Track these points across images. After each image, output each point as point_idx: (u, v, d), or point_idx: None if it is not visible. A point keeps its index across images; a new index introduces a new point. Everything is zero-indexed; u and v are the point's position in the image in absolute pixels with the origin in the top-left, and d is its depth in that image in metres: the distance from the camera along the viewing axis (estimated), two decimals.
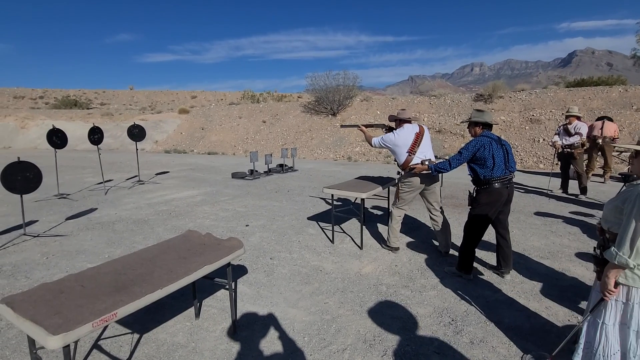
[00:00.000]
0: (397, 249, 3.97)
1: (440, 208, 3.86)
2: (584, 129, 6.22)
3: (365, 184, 4.29)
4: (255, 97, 27.01)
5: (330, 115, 18.05)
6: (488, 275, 3.31)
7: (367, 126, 4.35)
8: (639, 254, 1.49)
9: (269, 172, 9.91)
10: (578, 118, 6.41)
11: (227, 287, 2.40)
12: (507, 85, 15.73)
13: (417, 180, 3.70)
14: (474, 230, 3.17)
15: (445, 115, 14.93)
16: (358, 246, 4.07)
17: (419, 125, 3.88)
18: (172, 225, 5.06)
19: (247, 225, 4.94)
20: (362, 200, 3.90)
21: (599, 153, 7.86)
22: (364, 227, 4.18)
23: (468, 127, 3.34)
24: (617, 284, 1.61)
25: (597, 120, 8.19)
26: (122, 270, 2.00)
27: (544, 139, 12.10)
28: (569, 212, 5.36)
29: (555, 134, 6.68)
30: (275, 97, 29.88)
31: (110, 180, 8.95)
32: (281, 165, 10.31)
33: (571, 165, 6.50)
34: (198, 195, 7.12)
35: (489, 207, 3.08)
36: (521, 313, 2.68)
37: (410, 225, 4.86)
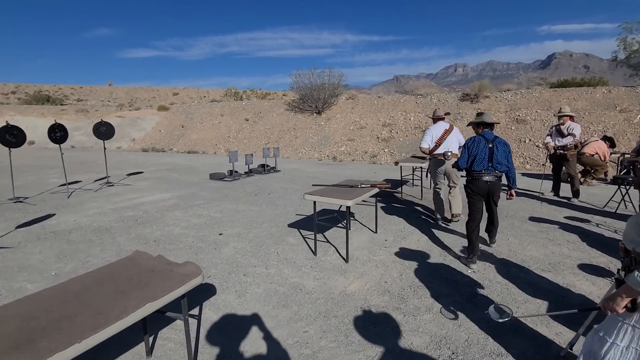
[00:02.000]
0: (439, 220, 5.00)
1: (456, 185, 4.86)
2: (577, 129, 5.99)
3: (351, 190, 3.88)
4: (238, 95, 26.31)
5: (315, 114, 17.62)
6: (488, 290, 2.96)
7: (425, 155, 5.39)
8: None
9: (249, 172, 9.41)
10: (571, 118, 6.19)
11: (185, 318, 1.95)
12: (491, 85, 15.65)
13: (439, 166, 4.89)
14: (469, 214, 3.72)
15: (431, 115, 14.69)
16: (343, 259, 3.67)
17: (450, 124, 5.00)
18: (137, 234, 4.54)
19: (220, 234, 4.46)
20: (348, 207, 3.49)
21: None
22: (349, 237, 3.77)
23: (474, 128, 3.88)
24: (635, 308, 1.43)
25: (603, 137, 8.21)
26: (35, 312, 1.52)
27: (530, 139, 12.01)
28: (564, 217, 5.10)
29: (548, 135, 6.45)
30: (259, 94, 29.22)
31: (76, 182, 8.28)
32: (263, 166, 9.82)
33: (563, 167, 6.29)
34: (171, 198, 6.58)
35: (472, 194, 3.67)
36: (530, 342, 2.32)
37: (399, 234, 4.48)
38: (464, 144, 3.75)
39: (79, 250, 4.01)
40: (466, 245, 3.72)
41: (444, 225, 4.84)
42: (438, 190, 4.98)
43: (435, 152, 4.85)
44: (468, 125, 4.88)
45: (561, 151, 6.13)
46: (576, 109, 12.55)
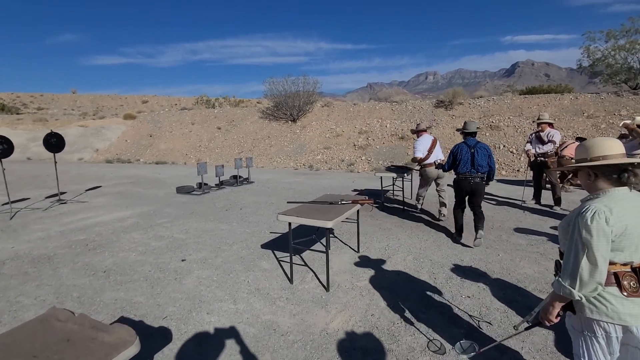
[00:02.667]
0: (419, 208, 5.95)
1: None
2: (557, 136, 5.90)
3: (330, 207, 3.47)
4: (210, 102, 25.48)
5: (290, 122, 17.21)
6: (487, 319, 2.61)
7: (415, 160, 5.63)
8: (586, 283, 1.36)
9: (220, 185, 8.83)
10: (550, 125, 6.10)
11: None
12: (464, 92, 15.83)
13: (430, 173, 5.46)
14: (455, 205, 4.53)
15: (407, 122, 14.65)
16: (324, 286, 3.24)
17: (432, 136, 5.63)
18: (85, 263, 3.92)
19: (183, 260, 3.92)
20: (327, 229, 3.08)
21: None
22: (329, 257, 3.35)
23: (462, 135, 4.54)
24: (588, 320, 1.43)
25: (576, 139, 8.20)
26: None
27: (504, 145, 12.11)
28: (550, 228, 4.91)
29: (528, 142, 6.35)
30: (232, 102, 28.50)
31: (23, 200, 7.42)
32: (235, 177, 9.26)
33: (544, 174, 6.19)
34: (130, 217, 5.93)
35: (457, 191, 4.43)
36: None
37: (383, 252, 4.11)
38: (450, 150, 4.45)
39: (10, 287, 3.36)
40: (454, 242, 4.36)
41: (427, 219, 5.09)
42: (421, 192, 5.78)
43: (427, 161, 5.41)
44: (457, 130, 5.35)
45: (542, 158, 6.02)
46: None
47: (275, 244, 4.42)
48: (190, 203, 6.98)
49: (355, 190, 8.21)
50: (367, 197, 3.80)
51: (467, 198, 4.41)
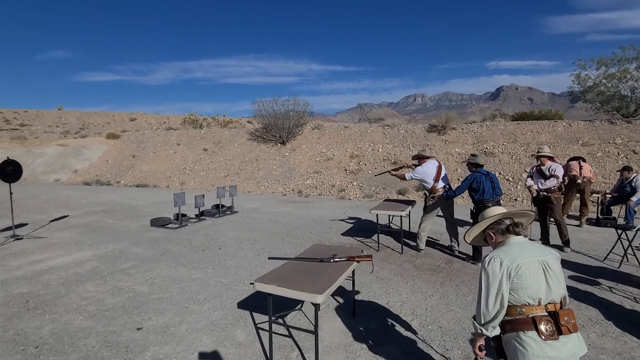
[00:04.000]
0: (422, 250, 5.42)
1: (453, 216, 5.36)
2: (559, 170, 5.44)
3: (320, 268, 2.83)
4: (197, 122, 24.88)
5: (279, 144, 16.68)
6: None
7: (395, 169, 5.66)
8: (486, 318, 1.62)
9: (200, 215, 8.11)
10: (551, 158, 5.66)
11: None
12: (457, 117, 15.60)
13: (442, 199, 5.18)
14: None
15: (400, 146, 14.26)
16: None
17: (437, 160, 5.43)
18: (16, 331, 3.15)
19: (139, 329, 3.19)
20: (317, 305, 2.43)
21: (577, 195, 7.30)
22: (319, 328, 2.68)
23: (467, 166, 4.96)
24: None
25: (570, 160, 7.73)
26: None
27: (500, 173, 11.73)
28: (569, 278, 4.35)
29: (528, 177, 5.89)
30: (220, 122, 27.98)
31: None
32: (217, 206, 8.56)
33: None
34: (90, 259, 5.16)
35: None
36: None
37: (383, 315, 3.45)
38: (466, 179, 4.76)
39: None
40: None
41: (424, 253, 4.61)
42: (425, 226, 5.39)
43: (437, 189, 5.24)
44: (462, 162, 5.22)
45: (545, 194, 5.54)
46: (540, 141, 12.58)
47: (254, 301, 3.73)
48: (164, 240, 6.24)
49: (347, 220, 7.59)
50: (363, 251, 3.18)
51: None
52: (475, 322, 1.68)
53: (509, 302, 1.61)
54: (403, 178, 5.39)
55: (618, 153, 11.17)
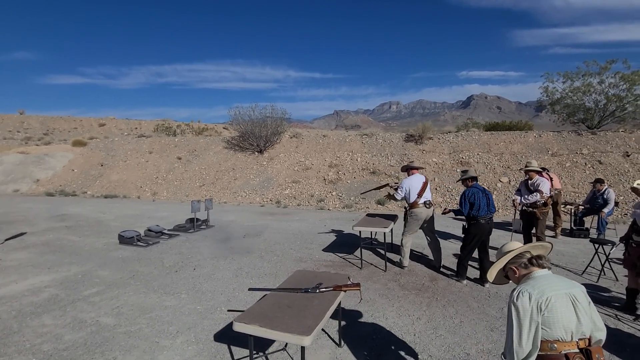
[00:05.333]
0: (405, 266, 5.29)
1: (434, 232, 5.32)
2: (544, 185, 5.49)
3: (305, 301, 2.62)
4: (171, 129, 24.07)
5: (256, 153, 16.35)
6: None
7: (379, 187, 6.01)
8: (520, 355, 1.55)
9: (174, 231, 7.68)
10: (539, 173, 5.74)
11: None
12: (420, 121, 15.78)
13: (420, 215, 5.12)
14: (466, 248, 4.67)
15: (378, 156, 14.29)
16: None
17: (424, 176, 5.32)
18: None
19: None
20: (303, 348, 2.22)
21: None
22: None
23: (463, 182, 4.89)
24: None
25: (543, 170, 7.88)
26: None
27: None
28: None
29: (517, 190, 5.97)
30: (195, 129, 27.24)
31: None
32: (192, 220, 8.16)
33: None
34: (49, 286, 4.69)
35: (475, 235, 4.59)
36: None
37: (371, 344, 3.28)
38: (464, 195, 4.69)
39: None
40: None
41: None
42: (407, 241, 5.27)
43: (418, 204, 5.14)
44: (457, 181, 5.73)
45: (531, 209, 5.59)
46: (513, 152, 12.96)
47: (233, 332, 3.43)
48: (133, 260, 5.82)
49: (328, 233, 7.39)
50: (350, 279, 3.01)
51: (480, 241, 4.65)
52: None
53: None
54: (394, 199, 5.36)
55: (585, 163, 11.64)
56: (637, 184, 3.90)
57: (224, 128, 34.91)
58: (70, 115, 46.99)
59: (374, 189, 5.67)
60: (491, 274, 1.99)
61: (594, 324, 1.63)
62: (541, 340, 1.56)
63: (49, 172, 18.06)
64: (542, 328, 1.56)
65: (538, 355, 1.56)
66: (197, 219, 8.23)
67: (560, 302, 1.57)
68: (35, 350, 3.15)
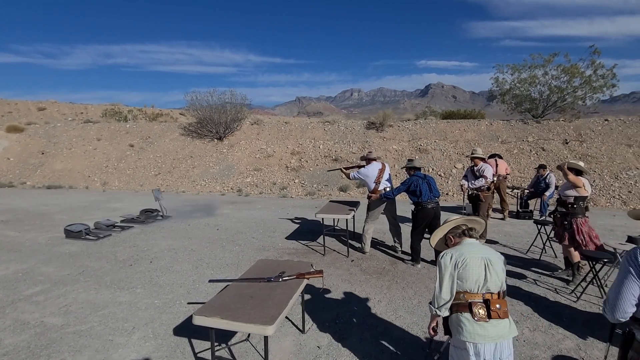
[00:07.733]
0: (367, 252, 5.45)
1: (396, 218, 5.53)
2: (488, 171, 5.85)
3: (267, 290, 2.59)
4: (121, 115, 22.53)
5: (216, 140, 15.81)
6: None
7: (347, 168, 5.83)
8: (438, 302, 1.96)
9: (128, 222, 7.27)
10: (483, 160, 6.10)
11: None
12: (381, 109, 16.02)
13: (381, 202, 5.28)
14: (415, 232, 4.94)
15: (340, 143, 14.40)
16: None
17: (382, 163, 5.49)
18: None
19: None
20: (266, 338, 2.20)
21: (495, 191, 7.93)
22: (268, 350, 2.45)
23: (406, 171, 5.11)
24: (457, 340, 1.94)
25: (489, 157, 8.34)
26: None
27: (432, 169, 12.46)
28: None
29: (464, 177, 6.30)
30: (149, 114, 25.73)
31: None
32: (148, 211, 7.77)
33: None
34: None
35: (422, 219, 4.85)
36: None
37: (334, 329, 3.33)
38: (404, 183, 4.97)
39: None
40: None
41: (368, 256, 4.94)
42: (368, 228, 5.40)
43: (378, 190, 5.30)
44: (402, 168, 5.83)
45: (476, 192, 5.95)
46: (467, 139, 13.61)
47: (193, 325, 3.35)
48: (82, 255, 5.44)
49: (291, 221, 7.38)
50: (313, 266, 3.02)
51: (428, 225, 4.89)
52: (431, 305, 2.00)
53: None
54: (348, 177, 5.61)
55: (530, 150, 12.52)
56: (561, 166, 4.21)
57: (180, 114, 33.29)
58: (4, 98, 42.25)
59: (342, 168, 5.87)
60: (433, 240, 2.36)
61: (502, 284, 1.95)
62: (456, 291, 1.92)
63: None
64: (457, 281, 1.92)
65: (453, 303, 1.94)
66: (152, 210, 7.84)
67: (474, 262, 1.91)
68: None
